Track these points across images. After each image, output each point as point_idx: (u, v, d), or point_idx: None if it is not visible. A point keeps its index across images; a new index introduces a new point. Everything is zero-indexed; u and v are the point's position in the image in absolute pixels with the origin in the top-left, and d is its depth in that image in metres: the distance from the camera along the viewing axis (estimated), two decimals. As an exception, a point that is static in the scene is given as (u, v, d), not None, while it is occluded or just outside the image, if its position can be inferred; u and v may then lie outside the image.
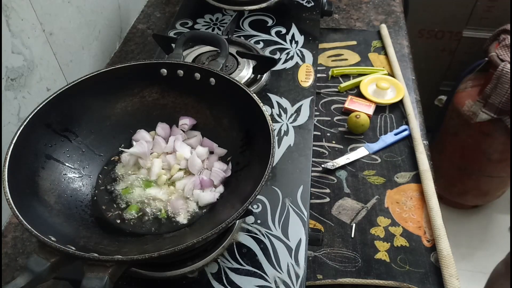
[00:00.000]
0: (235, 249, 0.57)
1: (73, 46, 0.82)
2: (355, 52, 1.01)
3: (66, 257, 0.42)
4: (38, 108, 0.53)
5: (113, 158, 0.61)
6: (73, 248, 0.42)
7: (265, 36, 0.90)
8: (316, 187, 0.76)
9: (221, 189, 0.57)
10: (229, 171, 0.59)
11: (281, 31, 0.91)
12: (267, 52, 0.86)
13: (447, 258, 0.64)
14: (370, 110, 0.86)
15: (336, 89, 0.93)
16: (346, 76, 0.95)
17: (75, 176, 0.56)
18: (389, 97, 0.89)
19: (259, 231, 0.58)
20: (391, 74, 0.95)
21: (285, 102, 0.76)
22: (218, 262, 0.55)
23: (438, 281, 0.63)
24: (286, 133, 0.71)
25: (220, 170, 0.58)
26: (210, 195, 0.56)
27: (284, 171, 0.65)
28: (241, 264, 0.55)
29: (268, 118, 0.52)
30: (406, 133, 0.83)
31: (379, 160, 0.80)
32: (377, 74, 0.94)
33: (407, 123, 0.85)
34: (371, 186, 0.76)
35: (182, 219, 0.55)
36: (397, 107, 0.89)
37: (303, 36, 0.90)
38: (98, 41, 0.92)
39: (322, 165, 0.78)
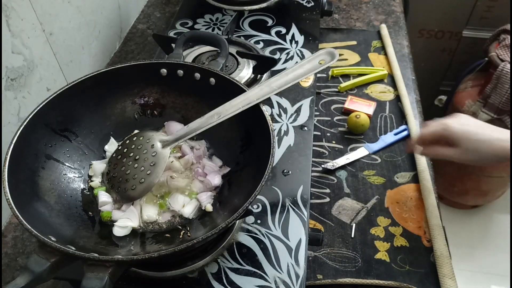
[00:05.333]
0: (235, 249, 0.57)
1: (73, 46, 0.82)
2: (355, 52, 1.01)
3: (66, 257, 0.42)
4: (38, 108, 0.53)
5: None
6: (73, 248, 0.42)
7: (265, 36, 0.90)
8: (316, 187, 0.76)
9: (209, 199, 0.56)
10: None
11: (281, 31, 0.91)
12: (267, 52, 0.86)
13: (440, 258, 0.64)
14: (370, 110, 0.86)
15: (336, 89, 0.93)
16: (346, 76, 0.95)
17: (75, 176, 0.56)
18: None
19: (259, 231, 0.58)
20: (391, 74, 0.95)
21: (285, 102, 0.76)
22: (218, 262, 0.55)
23: (438, 281, 0.63)
24: (286, 133, 0.71)
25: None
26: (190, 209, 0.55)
27: (284, 171, 0.65)
28: (241, 264, 0.55)
29: (268, 118, 0.52)
30: (406, 133, 0.83)
31: (379, 160, 0.80)
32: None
33: (407, 123, 0.85)
34: (371, 186, 0.76)
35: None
36: (397, 107, 0.89)
37: (303, 36, 0.90)
38: (98, 41, 0.92)
39: (322, 165, 0.78)
